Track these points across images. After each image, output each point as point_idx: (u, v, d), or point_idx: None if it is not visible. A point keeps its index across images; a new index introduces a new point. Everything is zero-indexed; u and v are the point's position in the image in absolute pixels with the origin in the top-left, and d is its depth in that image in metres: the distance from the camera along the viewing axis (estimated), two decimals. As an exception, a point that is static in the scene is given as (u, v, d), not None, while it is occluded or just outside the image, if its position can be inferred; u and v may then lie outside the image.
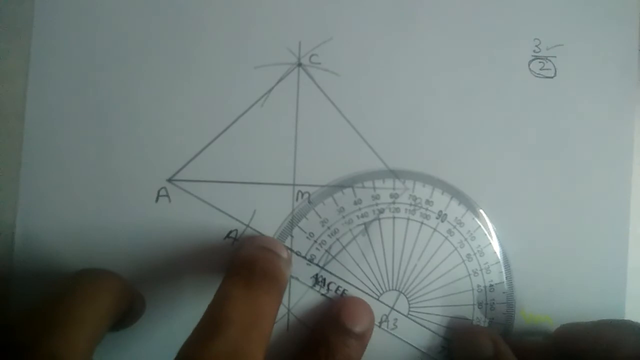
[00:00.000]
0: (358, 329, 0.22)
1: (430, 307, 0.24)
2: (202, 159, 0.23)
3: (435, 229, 0.24)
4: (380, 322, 0.24)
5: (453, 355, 0.24)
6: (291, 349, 0.23)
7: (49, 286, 0.19)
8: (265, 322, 0.18)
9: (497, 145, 0.25)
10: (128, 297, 0.20)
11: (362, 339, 0.23)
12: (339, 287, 0.24)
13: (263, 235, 0.24)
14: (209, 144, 0.23)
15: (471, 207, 0.24)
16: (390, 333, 0.24)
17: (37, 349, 0.15)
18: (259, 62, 0.24)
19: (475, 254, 0.24)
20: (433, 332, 0.24)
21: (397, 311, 0.24)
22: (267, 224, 0.24)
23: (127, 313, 0.20)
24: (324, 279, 0.24)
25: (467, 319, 0.24)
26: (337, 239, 0.24)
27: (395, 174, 0.24)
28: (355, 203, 0.24)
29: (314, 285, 0.24)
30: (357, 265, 0.24)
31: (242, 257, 0.21)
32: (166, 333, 0.23)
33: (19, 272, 0.22)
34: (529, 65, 0.25)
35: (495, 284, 0.24)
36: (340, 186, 0.24)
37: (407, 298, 0.24)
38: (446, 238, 0.24)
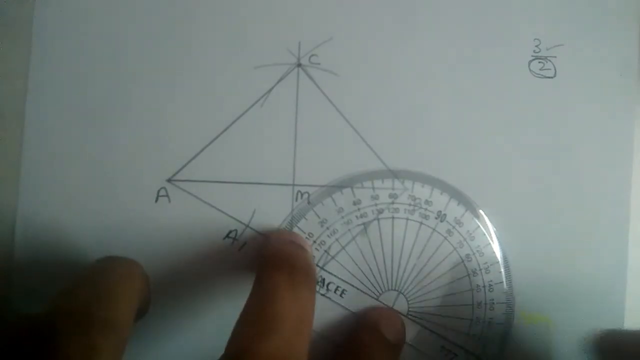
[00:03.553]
0: (396, 340, 0.23)
1: (429, 307, 0.24)
2: (202, 159, 0.23)
3: (434, 229, 0.24)
4: (380, 322, 0.24)
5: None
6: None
7: (84, 267, 0.19)
8: (310, 320, 0.19)
9: (497, 145, 0.25)
10: (148, 285, 0.20)
11: (399, 350, 0.23)
12: (338, 287, 0.24)
13: (285, 230, 0.24)
14: (209, 144, 0.24)
15: (470, 207, 0.24)
16: (390, 333, 0.24)
17: (91, 314, 0.16)
18: (258, 62, 0.24)
19: (474, 254, 0.24)
20: (432, 331, 0.24)
21: (397, 311, 0.24)
22: (267, 224, 0.24)
23: (145, 301, 0.20)
24: (323, 279, 0.24)
25: (466, 319, 0.24)
26: (336, 239, 0.24)
27: (394, 174, 0.24)
28: (355, 203, 0.24)
29: (313, 285, 0.24)
30: (357, 265, 0.24)
31: (280, 252, 0.21)
32: (166, 333, 0.23)
33: (19, 272, 0.23)
34: (529, 65, 0.25)
35: (495, 284, 0.24)
36: (339, 186, 0.24)
37: (406, 298, 0.24)
38: (445, 238, 0.24)
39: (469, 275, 0.24)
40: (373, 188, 0.24)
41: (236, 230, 0.23)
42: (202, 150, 0.23)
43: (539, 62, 0.25)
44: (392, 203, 0.24)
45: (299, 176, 0.24)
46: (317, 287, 0.24)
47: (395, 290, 0.24)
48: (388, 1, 0.24)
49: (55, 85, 0.23)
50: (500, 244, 0.24)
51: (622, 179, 0.25)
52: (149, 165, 0.23)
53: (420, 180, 0.24)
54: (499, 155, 0.25)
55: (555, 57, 0.25)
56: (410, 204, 0.24)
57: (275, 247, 0.22)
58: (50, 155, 0.23)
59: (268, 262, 0.20)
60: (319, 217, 0.24)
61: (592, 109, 0.25)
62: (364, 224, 0.24)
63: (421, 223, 0.24)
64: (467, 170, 0.24)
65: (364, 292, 0.24)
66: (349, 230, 0.24)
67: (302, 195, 0.24)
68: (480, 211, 0.24)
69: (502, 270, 0.24)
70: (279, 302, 0.18)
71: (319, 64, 0.24)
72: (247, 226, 0.24)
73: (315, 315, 0.23)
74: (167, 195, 0.23)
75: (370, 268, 0.24)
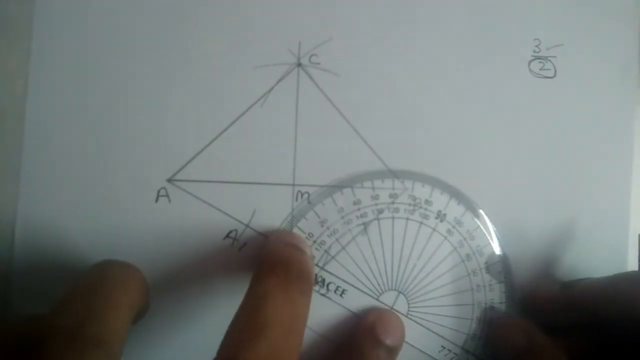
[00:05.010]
0: (392, 342, 0.23)
1: (429, 307, 0.24)
2: (202, 159, 0.23)
3: (434, 229, 0.24)
4: (380, 322, 0.24)
5: (488, 349, 0.24)
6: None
7: (82, 274, 0.19)
8: (302, 325, 0.18)
9: (497, 145, 0.25)
10: (147, 290, 0.20)
11: (395, 352, 0.23)
12: (338, 287, 0.24)
13: (285, 230, 0.23)
14: (209, 144, 0.24)
15: (470, 207, 0.24)
16: (390, 333, 0.24)
17: (83, 332, 0.16)
18: (258, 62, 0.24)
19: (474, 253, 0.24)
20: (432, 332, 0.24)
21: (397, 311, 0.24)
22: (267, 224, 0.24)
23: (143, 306, 0.20)
24: (324, 279, 0.24)
25: (466, 318, 0.24)
26: (337, 239, 0.24)
27: (394, 174, 0.24)
28: (355, 203, 0.24)
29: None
30: (357, 265, 0.24)
31: (275, 254, 0.21)
32: (166, 333, 0.23)
33: (19, 272, 0.23)
34: (529, 65, 0.25)
35: (495, 283, 0.24)
36: (339, 186, 0.24)
37: (406, 298, 0.24)
38: (445, 238, 0.24)
39: (469, 275, 0.24)
40: (373, 188, 0.24)
41: (236, 230, 0.23)
42: (202, 150, 0.23)
43: (539, 62, 0.25)
44: (392, 203, 0.24)
45: (299, 176, 0.24)
46: (317, 287, 0.24)
47: (395, 290, 0.24)
48: (388, 1, 0.24)
49: (55, 85, 0.23)
50: (500, 244, 0.24)
51: (622, 179, 0.25)
52: (149, 165, 0.23)
53: (420, 180, 0.24)
54: (499, 155, 0.25)
55: (555, 57, 0.25)
56: (410, 204, 0.24)
57: (271, 249, 0.21)
58: (50, 155, 0.23)
59: (262, 265, 0.20)
60: (319, 217, 0.24)
61: (592, 109, 0.25)
62: (364, 223, 0.24)
63: (421, 223, 0.24)
64: (467, 170, 0.24)
65: (364, 292, 0.24)
66: (349, 230, 0.24)
67: (302, 195, 0.24)
68: (480, 211, 0.24)
69: (502, 270, 0.24)
70: (269, 307, 0.18)
71: (319, 64, 0.24)
72: (247, 226, 0.23)
73: (315, 315, 0.24)
74: (167, 195, 0.23)
75: (370, 268, 0.24)
